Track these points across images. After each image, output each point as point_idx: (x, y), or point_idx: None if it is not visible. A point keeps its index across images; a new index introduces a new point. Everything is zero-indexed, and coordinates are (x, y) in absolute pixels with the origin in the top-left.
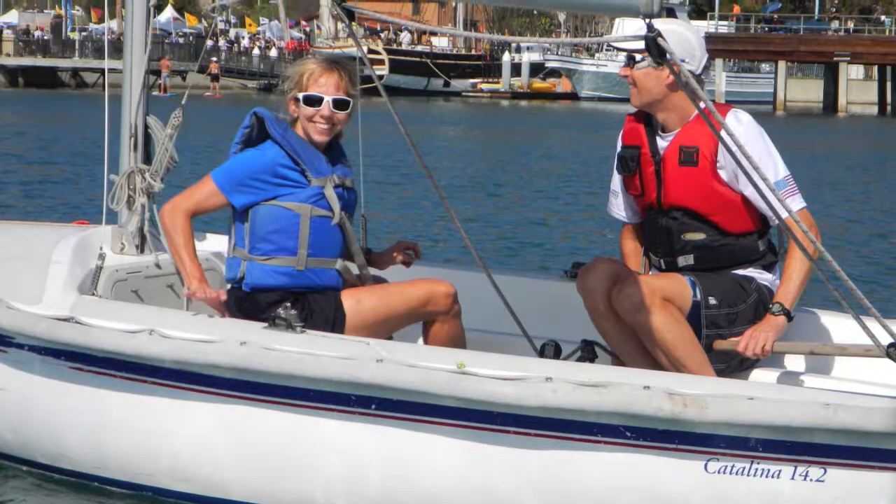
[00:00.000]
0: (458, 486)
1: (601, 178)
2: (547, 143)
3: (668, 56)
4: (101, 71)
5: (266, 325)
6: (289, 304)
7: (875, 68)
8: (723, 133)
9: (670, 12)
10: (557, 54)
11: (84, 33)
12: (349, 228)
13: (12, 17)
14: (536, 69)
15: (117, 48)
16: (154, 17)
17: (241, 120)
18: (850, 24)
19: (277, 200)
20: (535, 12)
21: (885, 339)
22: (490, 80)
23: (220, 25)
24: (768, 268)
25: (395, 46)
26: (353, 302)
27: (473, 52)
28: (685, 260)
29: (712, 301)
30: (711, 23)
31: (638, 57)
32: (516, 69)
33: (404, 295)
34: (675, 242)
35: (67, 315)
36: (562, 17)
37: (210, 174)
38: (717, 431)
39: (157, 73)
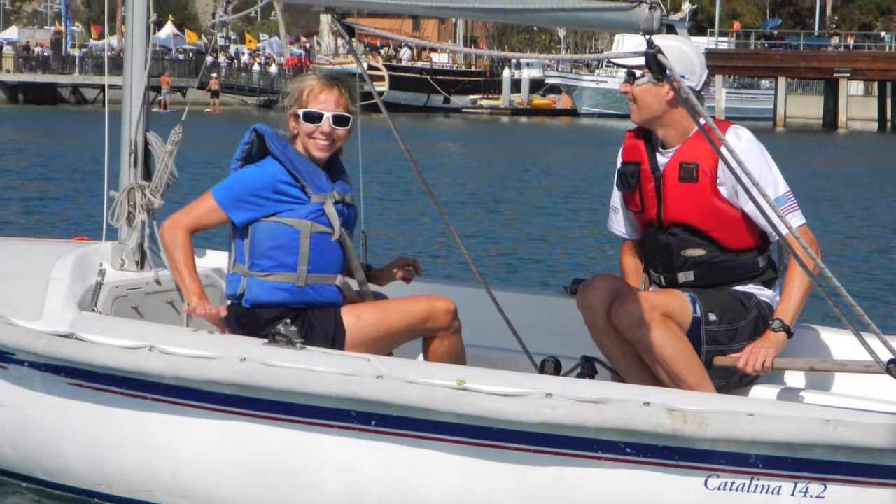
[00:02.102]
0: (459, 502)
1: (601, 194)
2: (547, 160)
3: (668, 72)
4: (101, 87)
5: (266, 341)
6: (289, 321)
7: (875, 85)
8: (723, 149)
9: (670, 28)
10: (557, 70)
11: (84, 49)
12: (349, 245)
13: (12, 33)
14: (536, 85)
15: (117, 64)
16: (154, 33)
17: (242, 136)
18: (850, 41)
19: (277, 217)
20: (535, 29)
21: (885, 356)
22: (490, 96)
23: (220, 42)
24: (768, 284)
25: (395, 63)
26: (353, 318)
27: (473, 68)
28: (685, 276)
29: (712, 317)
30: (711, 39)
31: (638, 73)
32: (516, 85)
33: (404, 311)
34: (675, 259)
35: (67, 331)
36: (562, 33)
37: (210, 190)
38: (716, 448)
39: (157, 89)
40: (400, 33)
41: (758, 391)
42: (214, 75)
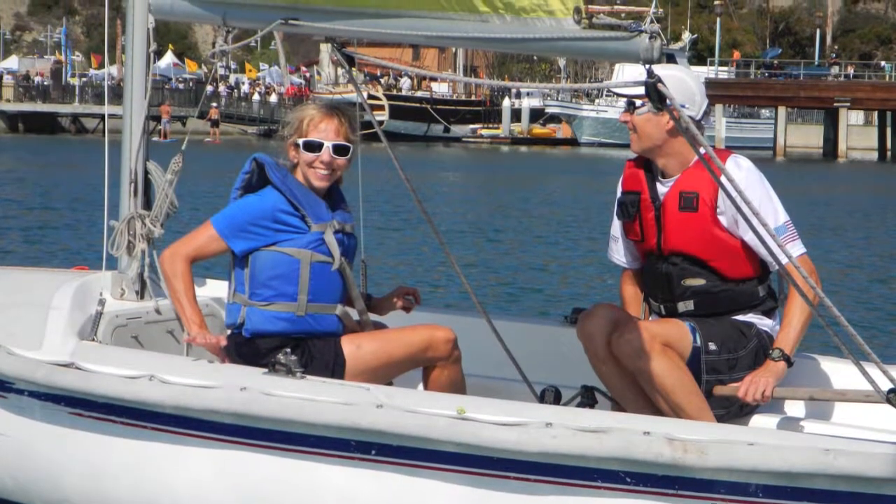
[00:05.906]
0: None
1: (601, 223)
2: (547, 189)
3: (668, 102)
4: (101, 116)
5: (266, 370)
6: (289, 350)
7: (875, 114)
8: (723, 179)
9: (670, 58)
10: (557, 100)
11: (84, 79)
12: (349, 274)
13: (12, 62)
14: (536, 115)
15: (117, 94)
16: (154, 62)
17: (241, 165)
18: (850, 70)
19: (277, 246)
20: (535, 58)
21: (885, 385)
22: (490, 125)
23: (220, 71)
24: (768, 313)
25: (395, 92)
26: (353, 347)
27: (473, 97)
28: (685, 305)
29: (712, 346)
30: (711, 68)
31: (638, 102)
32: (516, 115)
33: (404, 340)
34: (675, 288)
35: (67, 361)
36: (562, 62)
37: (210, 220)
38: (717, 477)
39: (157, 118)
40: (400, 62)
41: (758, 420)
42: (214, 105)
